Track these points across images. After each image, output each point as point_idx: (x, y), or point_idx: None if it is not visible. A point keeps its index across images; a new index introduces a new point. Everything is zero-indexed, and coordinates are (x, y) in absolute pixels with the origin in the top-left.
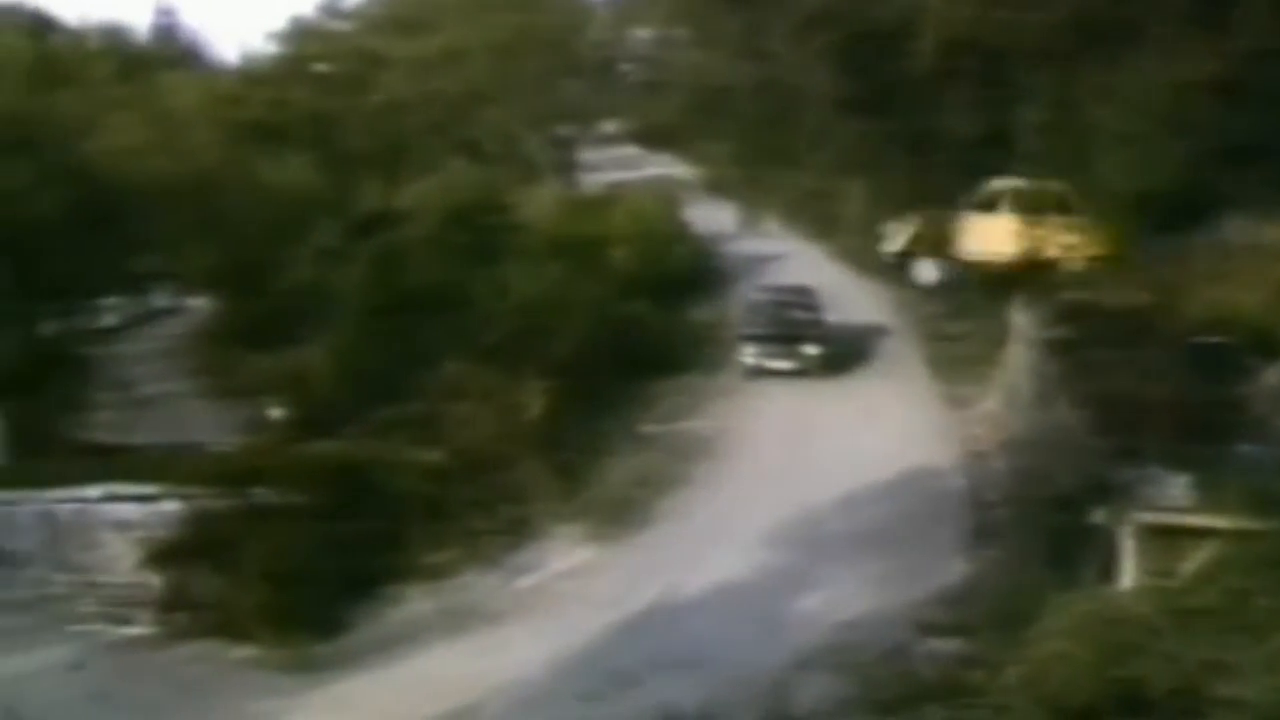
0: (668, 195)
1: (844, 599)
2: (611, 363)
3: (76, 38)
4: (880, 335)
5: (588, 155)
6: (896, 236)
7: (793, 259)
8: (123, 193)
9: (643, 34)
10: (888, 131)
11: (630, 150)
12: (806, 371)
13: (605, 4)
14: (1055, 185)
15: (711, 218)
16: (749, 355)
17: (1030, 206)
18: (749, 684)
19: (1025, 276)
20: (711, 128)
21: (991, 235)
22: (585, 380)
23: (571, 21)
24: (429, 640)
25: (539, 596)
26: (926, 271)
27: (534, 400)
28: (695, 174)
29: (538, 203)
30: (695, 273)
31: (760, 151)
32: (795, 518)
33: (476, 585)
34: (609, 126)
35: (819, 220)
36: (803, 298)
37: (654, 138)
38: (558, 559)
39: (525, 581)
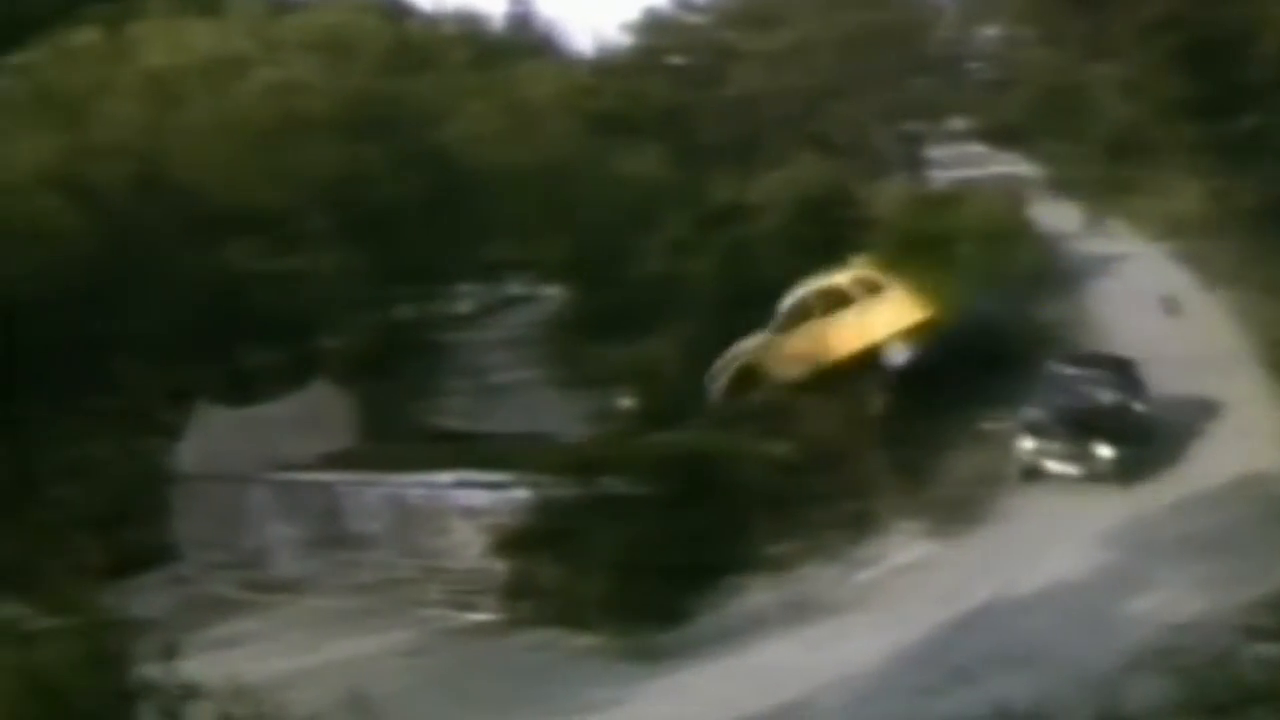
0: (1013, 193)
1: (1174, 601)
2: (956, 359)
3: (432, 24)
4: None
5: (934, 152)
6: None
7: (1137, 260)
8: (477, 180)
9: (990, 32)
10: (1233, 134)
11: (976, 147)
12: (1100, 478)
13: (953, 1)
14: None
15: (1056, 216)
16: (1026, 448)
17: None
18: (1080, 683)
19: None
20: (1057, 126)
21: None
22: (929, 376)
23: (920, 18)
24: (768, 631)
25: (878, 590)
26: None
27: (878, 395)
28: (1040, 172)
29: (886, 198)
30: (1040, 271)
31: (1106, 151)
32: (1129, 519)
33: (816, 578)
34: (956, 123)
35: (1164, 221)
36: (1117, 373)
37: (1000, 135)
38: (897, 553)
39: (865, 575)
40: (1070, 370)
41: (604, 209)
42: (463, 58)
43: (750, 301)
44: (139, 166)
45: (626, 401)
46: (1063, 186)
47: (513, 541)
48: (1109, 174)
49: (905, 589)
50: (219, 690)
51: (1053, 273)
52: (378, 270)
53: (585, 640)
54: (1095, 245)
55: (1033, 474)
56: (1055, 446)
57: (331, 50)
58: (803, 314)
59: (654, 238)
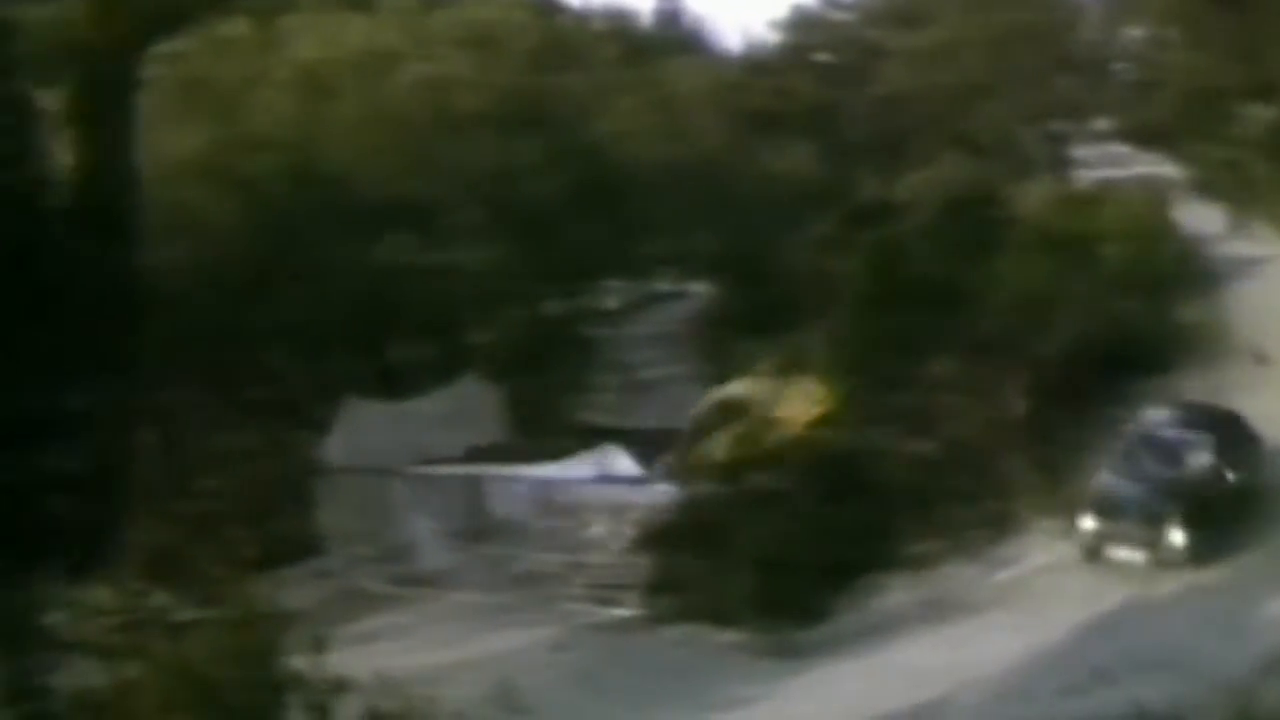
0: (1157, 194)
1: None
2: (1099, 360)
3: (581, 20)
4: None
5: (1079, 151)
6: None
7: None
8: (627, 176)
9: (1134, 33)
10: None
11: (1120, 148)
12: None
13: (1098, 2)
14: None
15: (1199, 218)
16: (1087, 528)
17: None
18: (1217, 686)
19: None
20: (1201, 127)
21: None
22: (1072, 376)
23: (1065, 18)
24: (909, 630)
25: (1018, 590)
26: None
27: (1022, 395)
28: (1184, 173)
29: (1031, 197)
30: (1183, 272)
31: (1250, 153)
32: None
33: (957, 577)
34: (1100, 123)
35: None
36: (1218, 431)
37: (1144, 136)
38: (1038, 553)
39: (1005, 575)
40: (1160, 426)
41: (752, 206)
42: (612, 54)
43: (896, 299)
44: (291, 158)
45: None
46: (1206, 188)
47: (657, 536)
48: (1253, 176)
49: (1045, 589)
50: (366, 684)
51: (1195, 274)
52: (527, 265)
53: (728, 636)
54: (1238, 248)
55: (1094, 555)
56: (1122, 527)
57: (482, 46)
58: (704, 427)
59: (801, 235)
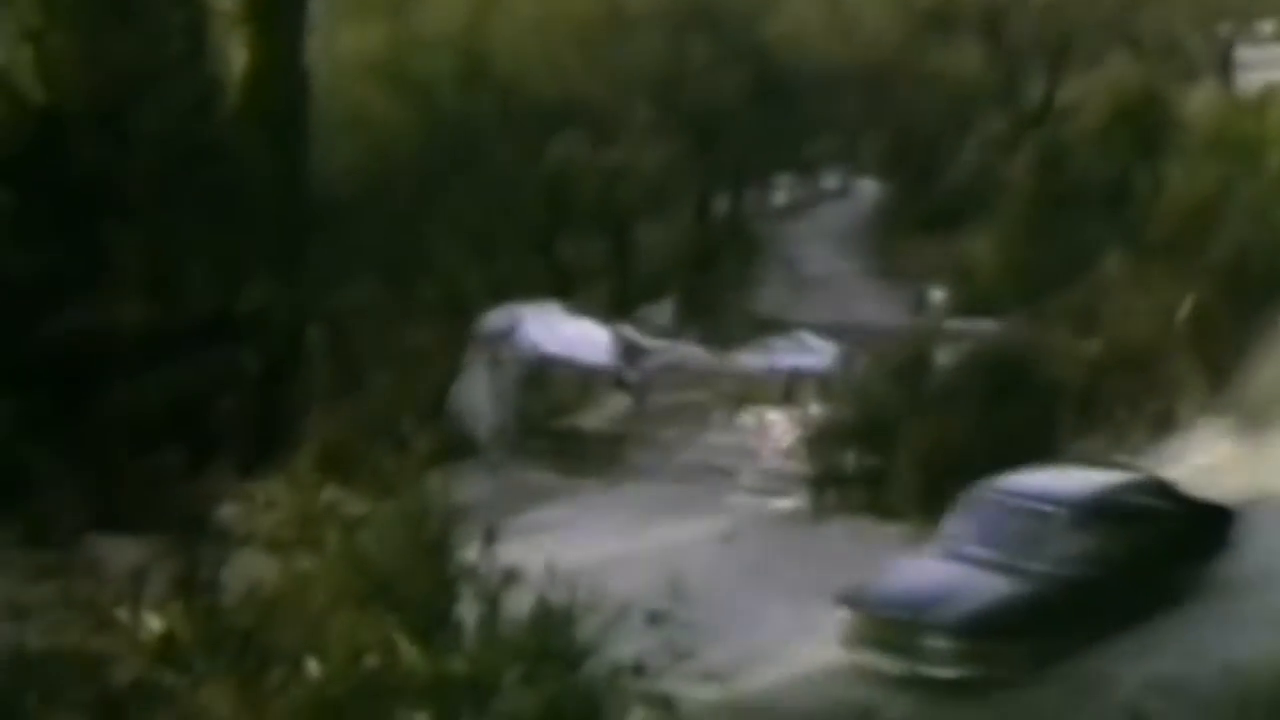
0: None
1: None
2: (1263, 263)
3: None
4: None
5: (1245, 55)
6: None
7: None
8: (798, 76)
9: None
10: None
11: None
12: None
13: None
14: None
15: None
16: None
17: None
18: None
19: None
20: None
21: None
22: (1237, 279)
23: None
24: None
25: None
26: None
27: (1187, 296)
28: None
29: (1197, 101)
30: None
31: None
32: None
33: None
34: (1266, 26)
35: None
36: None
37: None
38: (1199, 453)
39: (1166, 473)
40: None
41: (922, 106)
42: None
43: (1064, 200)
44: (463, 59)
45: (939, 295)
46: None
47: (826, 430)
48: None
49: (1206, 488)
50: (537, 575)
51: None
52: (698, 164)
53: (894, 530)
54: None
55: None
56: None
57: None
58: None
59: (970, 135)
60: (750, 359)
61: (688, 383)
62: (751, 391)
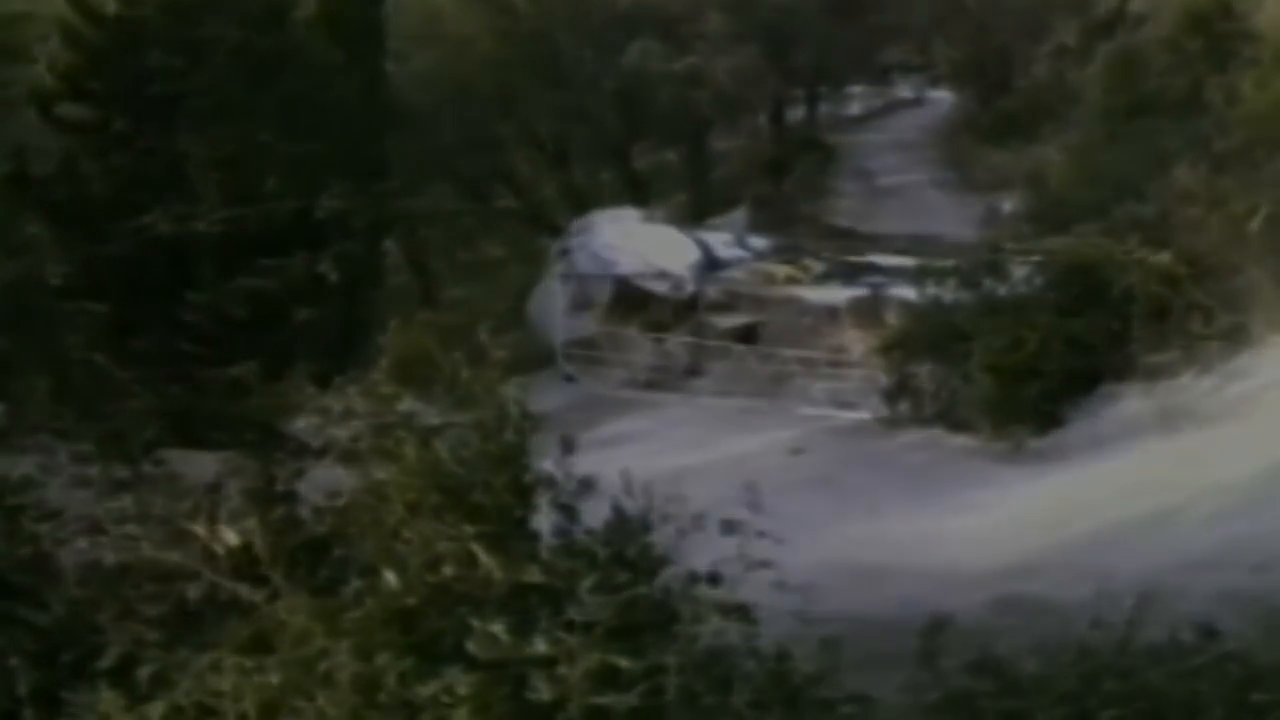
0: None
1: None
2: None
3: None
4: None
5: None
6: None
7: None
8: None
9: None
10: None
11: None
12: None
13: None
14: None
15: None
16: None
17: None
18: None
19: None
20: None
21: None
22: None
23: None
24: (1140, 440)
25: (1250, 403)
26: None
27: (1259, 208)
28: None
29: (1269, 12)
30: None
31: None
32: None
33: (1191, 389)
34: None
35: None
36: None
37: None
38: (1272, 368)
39: (1238, 387)
40: None
41: (997, 15)
42: None
43: (1136, 110)
44: None
45: (1013, 206)
46: None
47: (897, 341)
48: None
49: (1277, 403)
50: (612, 485)
51: None
52: (772, 72)
53: (964, 441)
54: None
55: None
56: None
57: None
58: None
59: (1044, 45)
60: (821, 269)
61: (760, 297)
62: (826, 303)
